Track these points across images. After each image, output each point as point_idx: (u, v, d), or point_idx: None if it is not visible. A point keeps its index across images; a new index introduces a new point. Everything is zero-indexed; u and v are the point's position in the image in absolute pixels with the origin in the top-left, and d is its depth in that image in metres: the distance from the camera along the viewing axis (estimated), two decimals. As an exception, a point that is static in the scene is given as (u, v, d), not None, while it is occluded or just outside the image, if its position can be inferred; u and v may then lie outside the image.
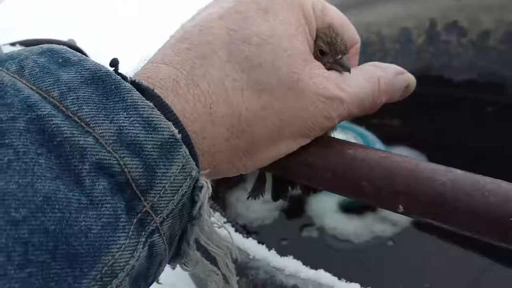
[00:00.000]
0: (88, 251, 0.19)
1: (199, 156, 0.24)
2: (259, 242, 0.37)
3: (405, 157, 0.26)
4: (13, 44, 0.60)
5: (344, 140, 0.28)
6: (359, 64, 0.31)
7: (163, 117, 0.22)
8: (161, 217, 0.21)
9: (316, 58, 0.28)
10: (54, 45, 0.23)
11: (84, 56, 0.23)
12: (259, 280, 0.34)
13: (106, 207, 0.19)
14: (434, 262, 0.67)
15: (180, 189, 0.22)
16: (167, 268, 0.74)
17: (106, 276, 0.19)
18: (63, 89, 0.21)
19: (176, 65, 0.25)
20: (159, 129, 0.21)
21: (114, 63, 0.24)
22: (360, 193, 0.26)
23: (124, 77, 0.23)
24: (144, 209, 0.21)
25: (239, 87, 0.25)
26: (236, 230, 0.39)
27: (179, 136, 0.22)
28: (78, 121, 0.20)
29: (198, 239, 0.24)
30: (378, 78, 0.29)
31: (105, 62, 0.23)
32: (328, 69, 0.28)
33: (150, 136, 0.21)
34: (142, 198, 0.21)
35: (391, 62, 0.32)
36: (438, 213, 0.24)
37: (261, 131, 0.26)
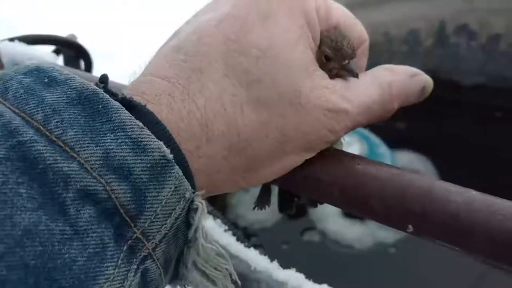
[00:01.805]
0: (73, 284, 0.18)
1: (195, 176, 0.22)
2: (257, 246, 0.36)
3: (419, 174, 0.25)
4: (11, 40, 0.59)
5: (353, 154, 0.27)
6: (366, 68, 0.30)
7: (153, 137, 0.21)
8: (153, 242, 0.20)
9: (321, 64, 0.26)
10: (42, 63, 0.22)
11: (71, 74, 0.21)
12: (259, 294, 0.33)
13: (92, 236, 0.18)
14: (435, 269, 0.67)
15: (173, 213, 0.21)
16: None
17: None
18: (47, 112, 0.20)
19: (172, 79, 0.23)
20: (149, 150, 0.20)
21: (103, 79, 0.22)
22: (369, 212, 0.25)
23: (114, 94, 0.21)
24: (135, 236, 0.20)
25: (238, 102, 0.24)
26: (237, 239, 0.38)
27: (170, 156, 0.21)
28: (62, 145, 0.19)
29: (196, 262, 0.23)
30: (389, 83, 0.27)
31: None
32: (334, 74, 0.26)
33: (139, 158, 0.20)
34: (131, 224, 0.19)
35: (398, 65, 0.30)
36: (451, 237, 0.23)
37: (262, 148, 0.24)
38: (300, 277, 0.33)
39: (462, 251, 0.24)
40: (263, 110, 0.24)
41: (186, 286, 0.24)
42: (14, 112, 0.19)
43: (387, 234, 0.70)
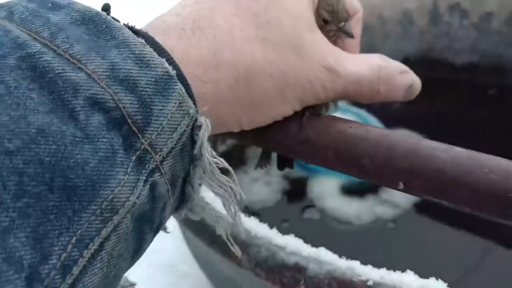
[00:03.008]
0: (86, 184, 0.18)
1: (199, 102, 0.23)
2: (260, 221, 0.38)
3: (406, 135, 0.26)
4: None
5: (345, 119, 0.28)
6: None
7: (155, 54, 0.21)
8: (160, 155, 0.21)
9: (320, 26, 0.28)
10: None
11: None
12: (260, 257, 0.35)
13: (102, 141, 0.19)
14: (435, 244, 0.67)
15: (179, 128, 0.22)
16: (170, 249, 0.74)
17: (107, 211, 0.19)
18: (53, 30, 0.20)
19: (183, 14, 0.25)
20: (152, 65, 0.21)
21: (106, 7, 0.23)
22: (361, 171, 0.27)
23: (117, 20, 0.22)
24: (143, 147, 0.20)
25: (247, 37, 0.25)
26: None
27: (173, 72, 0.21)
28: (70, 58, 0.20)
29: (201, 181, 0.24)
30: (379, 66, 0.29)
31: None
32: (332, 37, 0.28)
33: (144, 72, 0.21)
34: (139, 135, 0.20)
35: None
36: (438, 190, 0.24)
37: (266, 86, 0.26)
38: (299, 241, 0.35)
39: (449, 204, 0.25)
40: (270, 50, 0.26)
41: (192, 210, 0.25)
42: (21, 30, 0.20)
43: (385, 210, 0.71)
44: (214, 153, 0.24)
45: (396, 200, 0.72)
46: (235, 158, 0.74)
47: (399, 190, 0.26)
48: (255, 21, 0.25)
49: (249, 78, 0.25)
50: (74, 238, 0.18)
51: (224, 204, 0.25)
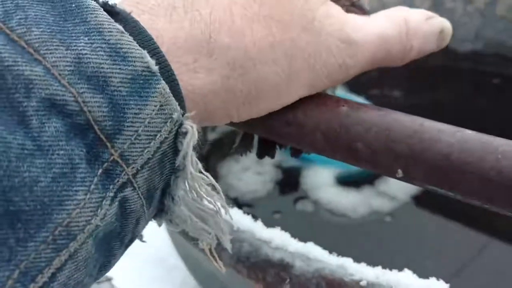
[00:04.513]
0: (34, 208, 0.15)
1: (188, 96, 0.20)
2: (244, 213, 0.34)
3: (408, 115, 0.23)
4: None
5: (337, 96, 0.25)
6: None
7: (135, 44, 0.18)
8: (134, 167, 0.18)
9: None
10: None
11: None
12: (242, 253, 0.31)
13: (58, 154, 0.16)
14: (433, 239, 0.65)
15: (158, 135, 0.18)
16: (157, 242, 0.71)
17: (61, 238, 0.16)
18: (8, 7, 0.16)
19: None
20: (129, 58, 0.17)
21: None
22: (354, 156, 0.23)
23: None
24: (112, 158, 0.17)
25: (249, 16, 0.21)
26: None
27: (155, 68, 0.18)
28: (25, 46, 0.16)
29: (183, 194, 0.21)
30: (405, 18, 0.25)
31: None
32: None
33: (118, 67, 0.17)
34: (108, 144, 0.17)
35: None
36: (443, 179, 0.21)
37: (267, 75, 0.22)
38: (285, 235, 0.32)
39: (457, 195, 0.22)
40: (274, 29, 0.22)
41: (172, 221, 0.22)
42: None
43: (382, 202, 0.68)
44: (200, 165, 0.20)
45: (394, 192, 0.69)
46: (226, 145, 0.71)
47: (398, 178, 0.22)
48: None
49: (247, 65, 0.21)
50: (17, 272, 0.15)
51: (207, 220, 0.22)
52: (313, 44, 0.22)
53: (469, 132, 0.22)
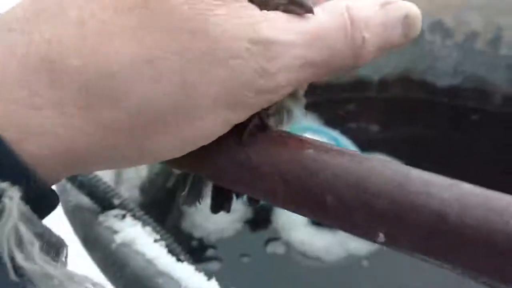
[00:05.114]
0: None
1: (35, 144, 0.16)
2: (214, 259, 0.29)
3: (390, 162, 0.18)
4: None
5: (302, 136, 0.20)
6: None
7: None
8: None
9: (260, 2, 0.19)
10: None
11: None
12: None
13: None
14: (411, 284, 0.61)
15: None
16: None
17: None
18: None
19: (18, 7, 0.17)
20: None
21: None
22: (323, 213, 0.18)
23: None
24: None
25: (109, 31, 0.16)
26: (169, 251, 0.31)
27: None
28: None
29: None
30: (346, 6, 0.20)
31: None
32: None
33: None
34: None
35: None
36: (437, 247, 0.16)
37: (151, 96, 0.17)
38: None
39: (456, 268, 0.17)
40: (148, 42, 0.17)
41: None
42: None
43: (359, 245, 0.64)
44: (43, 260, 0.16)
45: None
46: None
47: (379, 243, 0.17)
48: (124, 4, 0.17)
49: (117, 90, 0.17)
50: None
51: None
52: (211, 51, 0.17)
53: (466, 185, 0.17)
